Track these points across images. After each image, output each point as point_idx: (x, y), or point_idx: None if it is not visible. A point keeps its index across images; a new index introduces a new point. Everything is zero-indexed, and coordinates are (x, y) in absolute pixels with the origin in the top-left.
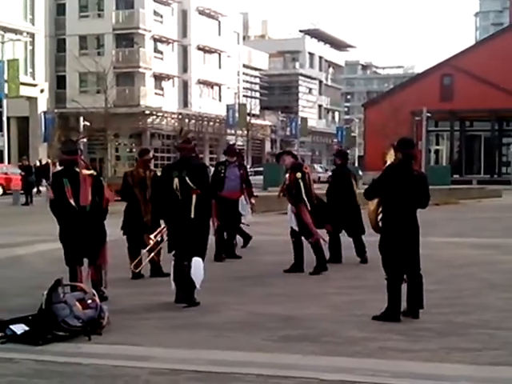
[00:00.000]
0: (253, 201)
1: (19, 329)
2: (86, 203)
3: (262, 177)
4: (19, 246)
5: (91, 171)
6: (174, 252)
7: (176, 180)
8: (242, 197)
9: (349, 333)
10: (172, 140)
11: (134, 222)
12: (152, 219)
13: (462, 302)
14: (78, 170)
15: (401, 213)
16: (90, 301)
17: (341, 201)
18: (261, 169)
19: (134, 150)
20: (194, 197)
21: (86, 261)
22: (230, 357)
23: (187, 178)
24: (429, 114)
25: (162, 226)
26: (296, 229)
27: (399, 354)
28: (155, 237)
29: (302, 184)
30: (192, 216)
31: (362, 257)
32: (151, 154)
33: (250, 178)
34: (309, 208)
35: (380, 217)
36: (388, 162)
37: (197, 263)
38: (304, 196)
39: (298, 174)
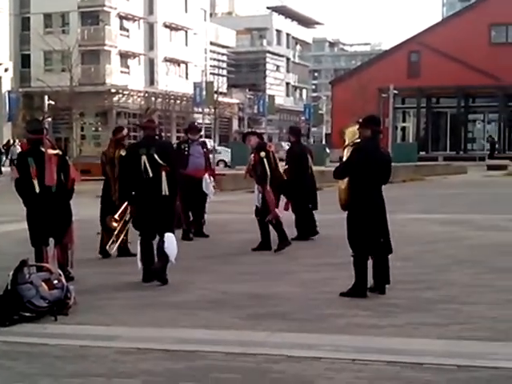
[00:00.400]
0: (214, 180)
1: None
2: (52, 183)
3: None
4: None
5: (57, 151)
6: (140, 231)
7: (144, 157)
8: (206, 175)
9: (316, 310)
10: (139, 119)
11: (107, 200)
12: (119, 198)
13: (429, 278)
14: (43, 149)
15: (371, 189)
16: (56, 281)
17: (300, 177)
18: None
19: (99, 129)
20: (164, 174)
21: (51, 241)
22: (197, 335)
23: (156, 155)
24: (396, 91)
25: (125, 205)
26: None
27: (366, 329)
28: (120, 217)
29: (266, 163)
30: (163, 193)
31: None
32: (125, 132)
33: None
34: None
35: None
36: (347, 141)
37: (170, 238)
38: (268, 175)
39: (262, 154)
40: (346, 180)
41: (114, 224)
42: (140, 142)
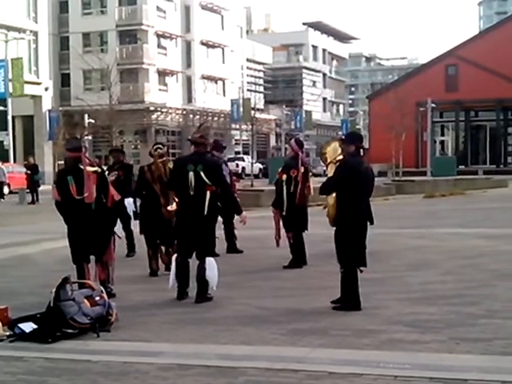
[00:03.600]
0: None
1: (28, 327)
2: (91, 201)
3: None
4: (26, 244)
5: (95, 168)
6: (177, 247)
7: (191, 174)
8: None
9: (357, 325)
10: (177, 136)
11: (151, 218)
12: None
13: (471, 293)
14: (82, 167)
15: (357, 204)
16: (97, 298)
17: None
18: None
19: (138, 146)
20: (208, 193)
21: (92, 258)
22: (238, 351)
23: (202, 174)
24: (434, 105)
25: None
26: None
27: (408, 345)
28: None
29: (284, 188)
30: (205, 213)
31: None
32: (165, 149)
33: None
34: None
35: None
36: (329, 158)
37: (211, 264)
38: (284, 199)
39: (284, 177)
40: (334, 195)
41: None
42: (188, 157)
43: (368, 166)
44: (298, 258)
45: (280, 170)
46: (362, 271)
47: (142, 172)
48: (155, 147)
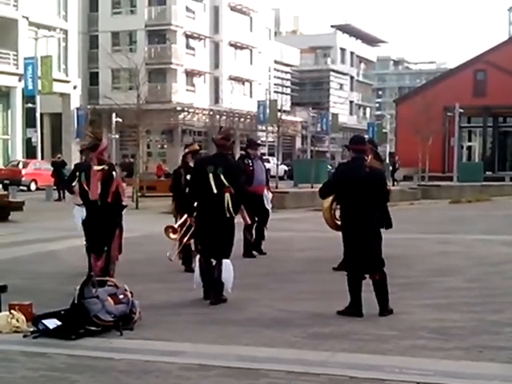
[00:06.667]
0: (271, 194)
1: (52, 323)
2: (95, 197)
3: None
4: (52, 241)
5: (102, 166)
6: (200, 248)
7: (211, 175)
8: (265, 191)
9: (380, 330)
10: (203, 136)
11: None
12: (181, 208)
13: (496, 300)
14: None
15: (353, 210)
16: (121, 296)
17: None
18: None
19: (165, 146)
20: (227, 195)
21: None
22: (260, 353)
23: (222, 176)
24: (461, 110)
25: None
26: None
27: (431, 352)
28: (179, 228)
29: None
30: (228, 215)
31: None
32: (196, 145)
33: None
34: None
35: (337, 214)
36: None
37: (227, 266)
38: None
39: None
40: (329, 199)
41: (173, 236)
42: (209, 158)
43: (371, 172)
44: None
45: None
46: (364, 277)
47: (175, 172)
48: (186, 145)
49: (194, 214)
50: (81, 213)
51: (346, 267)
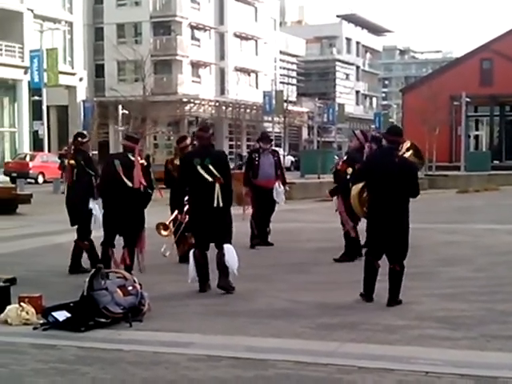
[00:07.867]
0: (287, 188)
1: (61, 315)
2: (137, 186)
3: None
4: (59, 233)
5: (143, 160)
6: (194, 241)
7: (199, 168)
8: (276, 184)
9: (388, 320)
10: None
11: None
12: (170, 206)
13: (503, 290)
14: (132, 157)
15: (380, 199)
16: (130, 287)
17: None
18: None
19: (171, 137)
20: (218, 185)
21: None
22: (268, 344)
23: (211, 166)
24: (468, 99)
25: (175, 213)
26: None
27: (439, 341)
28: (170, 224)
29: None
30: (215, 205)
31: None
32: (188, 141)
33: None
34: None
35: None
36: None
37: (229, 250)
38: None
39: (349, 170)
40: (359, 186)
41: (164, 232)
42: (194, 152)
43: (402, 163)
44: (352, 251)
45: (342, 161)
46: (379, 266)
47: (166, 164)
48: (177, 140)
49: (185, 209)
50: (97, 207)
51: (366, 253)
